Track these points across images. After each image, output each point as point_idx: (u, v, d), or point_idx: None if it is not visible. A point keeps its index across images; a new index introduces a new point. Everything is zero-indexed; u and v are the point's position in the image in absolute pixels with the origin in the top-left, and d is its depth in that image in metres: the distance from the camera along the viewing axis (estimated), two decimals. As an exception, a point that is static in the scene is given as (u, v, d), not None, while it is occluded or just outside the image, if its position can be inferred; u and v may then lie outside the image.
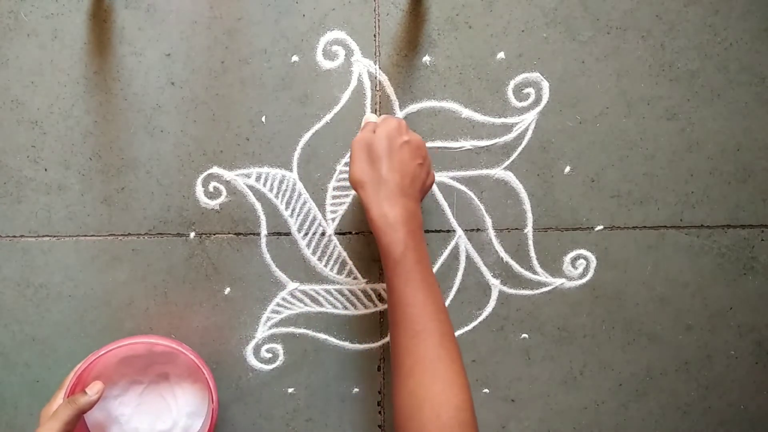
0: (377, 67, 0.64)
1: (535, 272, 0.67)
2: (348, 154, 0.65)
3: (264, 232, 0.66)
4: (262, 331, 0.67)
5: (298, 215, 0.66)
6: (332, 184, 0.65)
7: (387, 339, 0.68)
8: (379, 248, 0.53)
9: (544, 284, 0.67)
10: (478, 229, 0.66)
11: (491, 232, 0.66)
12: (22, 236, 0.65)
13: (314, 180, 0.65)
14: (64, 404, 0.55)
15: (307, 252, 0.66)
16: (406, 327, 0.50)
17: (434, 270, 0.67)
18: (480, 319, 0.67)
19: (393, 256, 0.52)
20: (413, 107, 0.64)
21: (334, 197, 0.66)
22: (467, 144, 0.65)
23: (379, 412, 0.69)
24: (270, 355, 0.67)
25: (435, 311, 0.51)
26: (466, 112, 0.65)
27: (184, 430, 0.64)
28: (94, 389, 0.58)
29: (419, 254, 0.52)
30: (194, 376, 0.65)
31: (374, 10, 0.63)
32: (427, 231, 0.66)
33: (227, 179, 0.65)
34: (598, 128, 0.65)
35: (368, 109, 0.64)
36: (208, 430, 0.59)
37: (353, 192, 0.65)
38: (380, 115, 0.64)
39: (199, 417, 0.64)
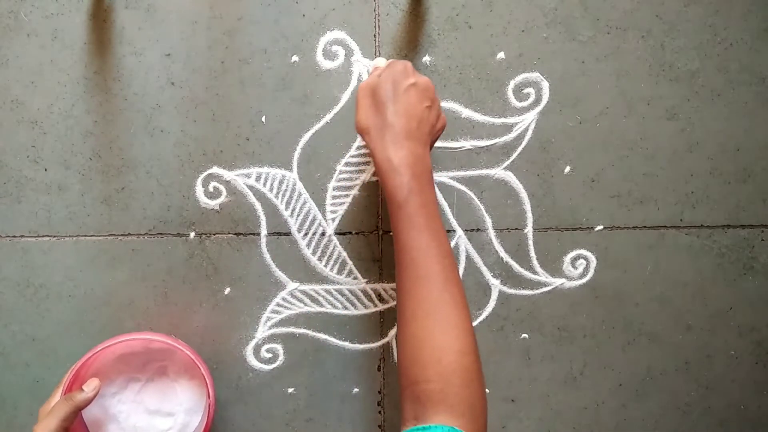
0: (377, 67, 0.64)
1: (535, 272, 0.67)
2: (356, 143, 0.65)
3: (264, 232, 0.66)
4: (262, 331, 0.67)
5: (298, 215, 0.66)
6: (332, 184, 0.65)
7: (387, 339, 0.68)
8: (384, 193, 0.52)
9: (544, 284, 0.67)
10: (478, 229, 0.66)
11: (491, 232, 0.66)
12: (22, 236, 0.65)
13: (314, 180, 0.65)
14: (61, 401, 0.55)
15: (307, 252, 0.66)
16: (409, 271, 0.49)
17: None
18: (480, 319, 0.67)
19: (396, 200, 0.50)
20: (413, 107, 0.64)
21: (334, 197, 0.65)
22: (467, 144, 0.65)
23: (379, 412, 0.69)
24: (270, 355, 0.67)
25: (439, 255, 0.49)
26: (466, 112, 0.65)
27: (183, 426, 0.64)
28: (90, 386, 0.58)
29: (424, 198, 0.50)
30: (191, 372, 0.65)
31: (374, 10, 0.63)
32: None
33: (227, 179, 0.65)
34: (598, 128, 0.65)
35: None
36: (206, 425, 0.59)
37: (353, 192, 0.65)
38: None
39: (198, 413, 0.65)
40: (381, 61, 0.59)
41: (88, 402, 0.57)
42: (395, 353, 0.68)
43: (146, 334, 0.63)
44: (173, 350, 0.64)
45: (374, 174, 0.65)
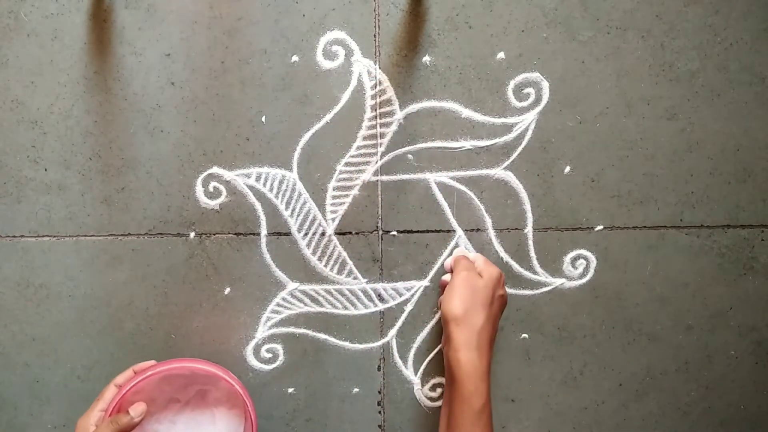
0: (377, 67, 0.64)
1: (535, 272, 0.67)
2: (356, 143, 0.65)
3: (264, 232, 0.66)
4: (262, 331, 0.67)
5: (298, 215, 0.66)
6: (332, 184, 0.65)
7: (387, 339, 0.68)
8: (457, 390, 0.54)
9: (544, 284, 0.67)
10: (478, 229, 0.66)
11: (491, 232, 0.66)
12: (22, 236, 0.65)
13: (314, 180, 0.65)
14: (106, 423, 0.56)
15: (307, 252, 0.66)
16: None
17: (434, 270, 0.67)
18: (480, 319, 0.67)
19: (474, 406, 0.53)
20: (413, 107, 0.64)
21: (334, 197, 0.66)
22: (467, 144, 0.65)
23: (379, 412, 0.69)
24: (270, 355, 0.67)
25: None
26: (466, 112, 0.65)
27: None
28: (137, 410, 0.58)
29: (490, 406, 0.55)
30: (233, 401, 0.64)
31: (374, 10, 0.63)
32: (427, 231, 0.66)
33: (227, 179, 0.65)
34: (598, 128, 0.65)
35: (368, 110, 0.64)
36: None
37: (353, 192, 0.65)
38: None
39: None
40: (463, 250, 0.65)
41: (133, 427, 0.57)
42: (395, 353, 0.68)
43: (196, 362, 0.61)
44: (217, 378, 0.62)
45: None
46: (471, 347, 0.54)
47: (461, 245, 0.66)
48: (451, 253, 0.67)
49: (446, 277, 0.63)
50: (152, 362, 0.62)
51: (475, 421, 0.53)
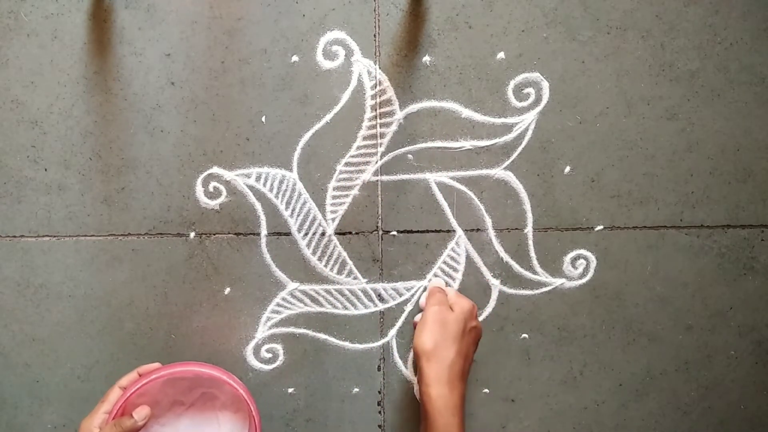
0: (377, 67, 0.64)
1: (535, 272, 0.67)
2: (356, 143, 0.65)
3: (264, 232, 0.66)
4: (262, 331, 0.67)
5: (298, 215, 0.66)
6: (332, 184, 0.65)
7: (387, 339, 0.68)
8: (430, 425, 0.55)
9: (544, 284, 0.67)
10: (478, 229, 0.66)
11: (491, 232, 0.66)
12: (22, 236, 0.65)
13: (314, 180, 0.65)
14: (110, 426, 0.56)
15: (307, 252, 0.66)
16: None
17: (434, 270, 0.67)
18: (480, 319, 0.67)
19: (435, 429, 0.54)
20: (413, 107, 0.64)
21: (334, 197, 0.66)
22: (467, 144, 0.65)
23: (379, 412, 0.69)
24: (270, 355, 0.67)
25: None
26: (466, 112, 0.65)
27: None
28: (141, 414, 0.58)
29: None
30: (237, 405, 0.64)
31: (374, 10, 0.63)
32: (427, 231, 0.66)
33: (227, 179, 0.65)
34: (598, 128, 0.65)
35: (368, 110, 0.64)
36: None
37: (353, 192, 0.65)
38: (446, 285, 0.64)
39: None
40: (438, 281, 0.65)
41: (137, 430, 0.57)
42: (395, 353, 0.68)
43: (200, 365, 0.61)
44: (221, 381, 0.62)
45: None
46: (442, 382, 0.55)
47: (462, 245, 0.66)
48: (450, 253, 0.67)
49: (418, 317, 0.63)
50: (157, 365, 0.62)
51: None
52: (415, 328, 0.63)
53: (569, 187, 0.66)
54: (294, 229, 0.66)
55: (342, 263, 0.66)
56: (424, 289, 0.67)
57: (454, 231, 0.66)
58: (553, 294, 0.67)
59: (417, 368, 0.57)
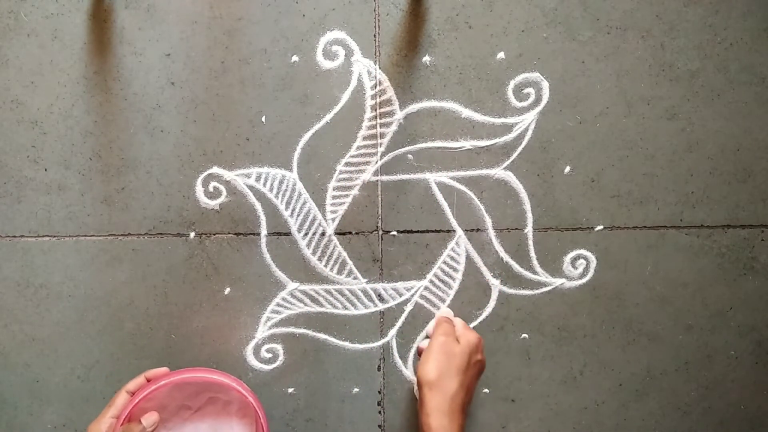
0: (377, 67, 0.64)
1: (535, 272, 0.67)
2: (356, 143, 0.65)
3: (264, 232, 0.66)
4: (262, 331, 0.67)
5: (298, 215, 0.66)
6: (332, 184, 0.65)
7: (387, 339, 0.68)
8: None
9: (544, 284, 0.67)
10: (478, 229, 0.66)
11: (491, 232, 0.66)
12: (22, 236, 0.65)
13: (314, 180, 0.65)
14: None
15: (307, 252, 0.66)
16: None
17: (434, 270, 0.67)
18: (480, 319, 0.67)
19: None
20: (413, 107, 0.64)
21: (334, 197, 0.66)
22: (467, 144, 0.65)
23: (379, 412, 0.69)
24: (270, 355, 0.67)
25: None
26: (466, 112, 0.65)
27: None
28: (150, 420, 0.58)
29: None
30: (244, 410, 0.64)
31: (374, 10, 0.63)
32: (427, 231, 0.66)
33: (227, 179, 0.65)
34: (598, 128, 0.65)
35: (368, 110, 0.64)
36: None
37: (353, 192, 0.65)
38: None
39: None
40: (447, 311, 0.65)
41: None
42: (395, 353, 0.68)
43: (207, 371, 0.61)
44: (229, 387, 0.62)
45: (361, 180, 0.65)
46: (443, 413, 0.54)
47: (462, 245, 0.66)
48: (450, 253, 0.67)
49: (424, 343, 0.63)
50: (165, 369, 0.61)
51: None
52: (419, 354, 0.63)
53: (569, 187, 0.66)
54: (294, 229, 0.66)
55: (342, 263, 0.66)
56: (425, 289, 0.67)
57: (454, 231, 0.66)
58: (553, 294, 0.67)
59: (419, 396, 0.57)
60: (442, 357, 0.57)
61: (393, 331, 0.68)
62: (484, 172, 0.66)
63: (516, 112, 0.65)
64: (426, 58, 0.64)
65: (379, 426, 0.69)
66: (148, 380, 0.60)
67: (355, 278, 0.67)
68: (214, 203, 0.65)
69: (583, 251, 0.67)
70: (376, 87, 0.64)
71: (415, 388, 0.67)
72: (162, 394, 0.62)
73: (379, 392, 0.68)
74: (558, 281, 0.67)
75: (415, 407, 0.68)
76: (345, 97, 0.64)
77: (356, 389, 0.68)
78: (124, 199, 0.65)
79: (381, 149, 0.65)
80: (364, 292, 0.67)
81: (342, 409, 0.68)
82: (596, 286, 0.67)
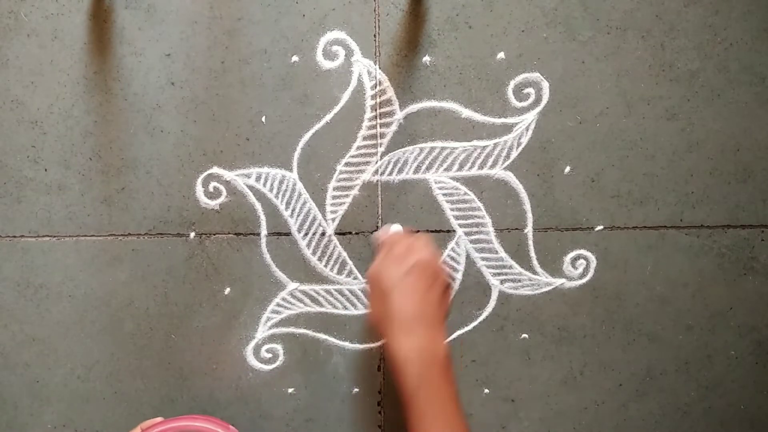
0: (377, 67, 0.64)
1: (535, 272, 0.67)
2: (356, 143, 0.65)
3: (264, 232, 0.66)
4: (262, 331, 0.67)
5: (298, 215, 0.66)
6: (332, 184, 0.65)
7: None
8: (405, 401, 0.50)
9: (544, 284, 0.67)
10: (478, 229, 0.66)
11: (491, 232, 0.66)
12: (22, 236, 0.65)
13: (314, 180, 0.65)
14: None
15: (307, 252, 0.66)
16: None
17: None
18: (480, 319, 0.67)
19: (406, 393, 0.49)
20: (413, 107, 0.64)
21: (334, 197, 0.66)
22: (467, 144, 0.65)
23: (379, 412, 0.69)
24: (270, 355, 0.67)
25: None
26: (466, 112, 0.65)
27: None
28: None
29: (434, 391, 0.49)
30: None
31: (374, 10, 0.63)
32: (427, 231, 0.66)
33: (227, 179, 0.65)
34: (598, 128, 0.65)
35: (368, 110, 0.64)
36: None
37: (353, 192, 0.65)
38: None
39: None
40: (383, 233, 0.61)
41: None
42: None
43: (206, 420, 0.60)
44: None
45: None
46: (393, 338, 0.51)
47: (462, 245, 0.66)
48: (450, 253, 0.66)
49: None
50: (159, 419, 0.60)
51: (410, 406, 0.49)
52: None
53: (569, 187, 0.66)
54: (294, 229, 0.66)
55: (342, 263, 0.67)
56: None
57: (454, 231, 0.66)
58: (553, 294, 0.67)
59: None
60: (373, 290, 0.54)
61: (393, 331, 0.68)
62: (484, 172, 0.66)
63: (516, 112, 0.65)
64: (426, 58, 0.64)
65: (379, 426, 0.69)
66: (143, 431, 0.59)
67: (355, 278, 0.67)
68: (214, 203, 0.65)
69: (583, 251, 0.67)
70: (376, 87, 0.64)
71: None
72: None
73: (379, 392, 0.68)
74: (558, 281, 0.67)
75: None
76: (345, 97, 0.64)
77: (356, 389, 0.68)
78: (124, 199, 0.65)
79: (381, 149, 0.65)
80: (365, 292, 0.67)
81: (342, 409, 0.68)
82: (596, 286, 0.67)
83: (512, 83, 0.64)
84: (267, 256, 0.66)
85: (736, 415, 0.70)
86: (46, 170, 0.64)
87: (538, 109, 0.65)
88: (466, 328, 0.68)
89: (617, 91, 0.65)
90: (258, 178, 0.65)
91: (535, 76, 0.64)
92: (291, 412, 0.68)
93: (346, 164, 0.65)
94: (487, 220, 0.66)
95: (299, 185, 0.65)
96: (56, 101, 0.63)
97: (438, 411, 0.48)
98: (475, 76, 0.64)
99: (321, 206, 0.66)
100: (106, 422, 0.68)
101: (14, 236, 0.65)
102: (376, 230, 0.66)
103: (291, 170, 0.65)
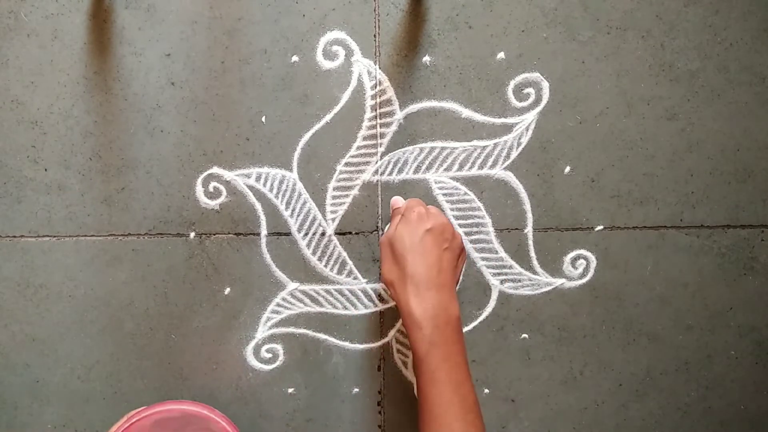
0: (377, 67, 0.64)
1: (535, 272, 0.67)
2: (356, 143, 0.65)
3: (264, 232, 0.66)
4: (262, 331, 0.67)
5: (298, 215, 0.66)
6: (332, 184, 0.65)
7: (387, 339, 0.68)
8: (410, 346, 0.53)
9: (544, 284, 0.67)
10: (478, 229, 0.66)
11: (491, 232, 0.66)
12: (22, 236, 0.65)
13: (314, 180, 0.65)
14: None
15: (307, 252, 0.66)
16: (431, 427, 0.50)
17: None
18: (480, 319, 0.67)
19: (418, 353, 0.51)
20: (413, 107, 0.64)
21: (334, 197, 0.66)
22: (467, 144, 0.65)
23: (379, 412, 0.69)
24: (270, 355, 0.67)
25: (461, 411, 0.49)
26: (466, 112, 0.65)
27: None
28: None
29: (447, 351, 0.51)
30: None
31: (374, 10, 0.63)
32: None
33: (227, 179, 0.65)
34: (598, 128, 0.65)
35: (368, 110, 0.64)
36: None
37: (353, 192, 0.65)
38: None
39: None
40: (398, 201, 0.62)
41: None
42: (395, 353, 0.68)
43: (183, 403, 0.61)
44: (209, 419, 0.61)
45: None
46: (407, 299, 0.52)
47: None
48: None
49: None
50: (144, 407, 0.61)
51: (421, 367, 0.51)
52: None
53: (569, 187, 0.66)
54: (294, 229, 0.66)
55: (342, 263, 0.67)
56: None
57: (454, 231, 0.66)
58: (553, 294, 0.67)
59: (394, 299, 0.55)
60: (386, 253, 0.55)
61: (393, 332, 0.68)
62: (484, 172, 0.66)
63: (516, 112, 0.65)
64: (426, 58, 0.64)
65: (379, 426, 0.69)
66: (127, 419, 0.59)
67: (355, 278, 0.67)
68: (214, 203, 0.65)
69: (583, 251, 0.67)
70: (376, 87, 0.64)
71: (416, 387, 0.67)
72: (144, 431, 0.61)
73: (379, 392, 0.68)
74: (558, 281, 0.67)
75: (416, 408, 0.68)
76: (345, 97, 0.64)
77: (356, 389, 0.68)
78: (124, 199, 0.65)
79: (381, 149, 0.65)
80: (364, 292, 0.67)
81: (342, 409, 0.68)
82: (596, 286, 0.67)
83: (512, 83, 0.64)
84: (267, 256, 0.66)
85: (736, 415, 0.70)
86: (46, 170, 0.64)
87: (538, 109, 0.65)
88: (467, 328, 0.68)
89: (617, 91, 0.65)
90: (258, 178, 0.65)
91: (535, 76, 0.64)
92: (291, 412, 0.68)
93: (346, 164, 0.65)
94: (487, 220, 0.66)
95: (299, 185, 0.65)
96: (56, 101, 0.63)
97: (449, 371, 0.50)
98: (475, 76, 0.64)
99: (321, 206, 0.66)
100: (106, 422, 0.68)
101: (14, 236, 0.65)
102: (375, 230, 0.66)
103: (291, 170, 0.65)
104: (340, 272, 0.67)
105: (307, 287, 0.67)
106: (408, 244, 0.54)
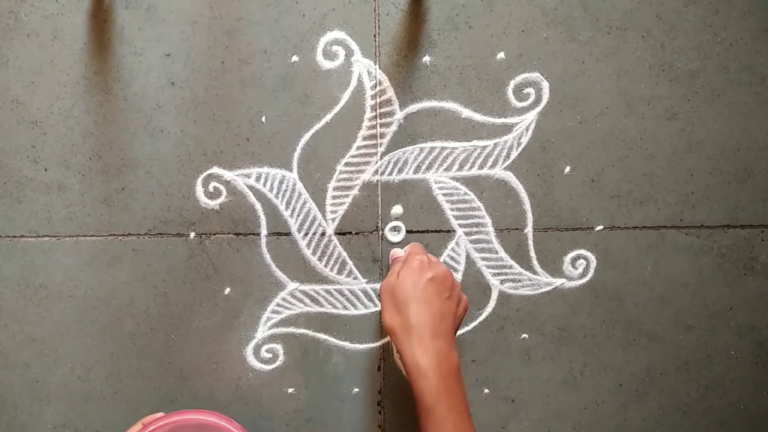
0: (377, 67, 0.64)
1: (535, 272, 0.67)
2: (356, 143, 0.65)
3: (264, 232, 0.66)
4: (262, 331, 0.67)
5: (298, 215, 0.66)
6: (332, 184, 0.65)
7: (387, 339, 0.68)
8: (413, 394, 0.52)
9: (544, 284, 0.67)
10: (478, 229, 0.66)
11: (491, 232, 0.66)
12: (22, 236, 0.65)
13: (314, 180, 0.65)
14: None
15: (307, 252, 0.66)
16: None
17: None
18: (480, 319, 0.67)
19: (425, 404, 0.51)
20: (413, 107, 0.64)
21: (334, 197, 0.66)
22: (467, 144, 0.65)
23: (379, 412, 0.69)
24: (270, 355, 0.67)
25: None
26: (466, 112, 0.65)
27: None
28: None
29: (452, 400, 0.51)
30: None
31: (374, 10, 0.63)
32: (427, 231, 0.66)
33: (227, 179, 0.65)
34: (598, 128, 0.65)
35: (368, 110, 0.64)
36: None
37: (353, 192, 0.65)
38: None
39: None
40: (398, 251, 0.63)
41: None
42: (395, 353, 0.68)
43: (201, 413, 0.60)
44: (224, 429, 0.60)
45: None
46: (411, 349, 0.53)
47: (462, 245, 0.66)
48: (450, 253, 0.66)
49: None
50: (161, 414, 0.61)
51: (428, 418, 0.51)
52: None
53: (569, 187, 0.66)
54: (294, 229, 0.66)
55: (342, 263, 0.67)
56: None
57: (454, 231, 0.66)
58: (553, 294, 0.67)
59: (395, 345, 0.55)
60: (387, 301, 0.55)
61: (393, 331, 0.68)
62: (484, 172, 0.66)
63: (516, 112, 0.65)
64: (426, 58, 0.64)
65: (379, 426, 0.69)
66: (144, 426, 0.59)
67: (355, 278, 0.67)
68: (214, 203, 0.65)
69: (583, 251, 0.67)
70: (376, 87, 0.64)
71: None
72: None
73: (379, 392, 0.68)
74: (558, 281, 0.67)
75: (415, 407, 0.68)
76: (345, 97, 0.64)
77: (356, 389, 0.68)
78: (124, 199, 0.65)
79: (381, 149, 0.65)
80: (364, 292, 0.67)
81: (342, 409, 0.68)
82: (596, 286, 0.67)
83: (512, 83, 0.64)
84: (267, 256, 0.66)
85: (736, 415, 0.70)
86: (46, 170, 0.64)
87: (538, 109, 0.65)
88: (466, 328, 0.68)
89: (617, 91, 0.65)
90: (258, 178, 0.65)
91: (535, 76, 0.64)
92: (291, 412, 0.68)
93: (346, 164, 0.65)
94: (487, 220, 0.66)
95: (299, 185, 0.65)
96: (56, 101, 0.63)
97: (455, 421, 0.51)
98: (475, 76, 0.64)
99: (321, 206, 0.66)
100: (106, 422, 0.68)
101: (14, 236, 0.65)
102: (375, 230, 0.66)
103: (291, 170, 0.65)
104: (340, 272, 0.67)
105: (307, 287, 0.67)
106: (411, 292, 0.54)
